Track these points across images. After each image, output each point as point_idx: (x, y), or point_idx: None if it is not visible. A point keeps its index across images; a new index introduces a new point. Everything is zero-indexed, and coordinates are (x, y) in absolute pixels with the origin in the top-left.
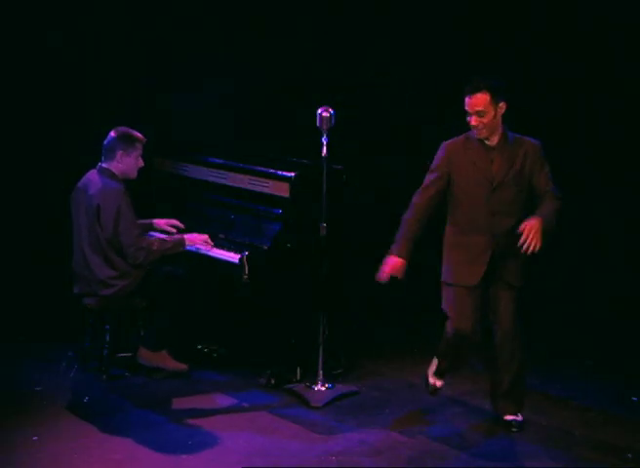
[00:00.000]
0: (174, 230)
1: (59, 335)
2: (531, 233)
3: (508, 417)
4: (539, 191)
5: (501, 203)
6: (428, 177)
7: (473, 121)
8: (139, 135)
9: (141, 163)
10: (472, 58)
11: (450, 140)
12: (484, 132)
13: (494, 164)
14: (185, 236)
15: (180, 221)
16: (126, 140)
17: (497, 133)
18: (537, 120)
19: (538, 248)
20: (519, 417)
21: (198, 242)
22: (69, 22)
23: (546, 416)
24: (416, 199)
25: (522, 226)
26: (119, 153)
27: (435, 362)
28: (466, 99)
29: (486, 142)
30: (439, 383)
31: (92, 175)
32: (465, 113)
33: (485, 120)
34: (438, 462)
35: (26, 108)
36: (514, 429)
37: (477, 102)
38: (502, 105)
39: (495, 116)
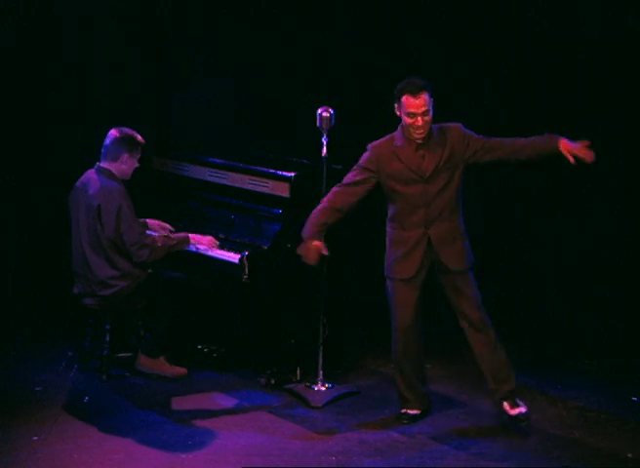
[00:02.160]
0: (166, 231)
1: (59, 335)
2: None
3: (513, 412)
4: (494, 146)
5: (435, 193)
6: (351, 175)
7: (420, 121)
8: (140, 137)
9: (137, 164)
10: (472, 58)
11: (376, 142)
12: (425, 131)
13: (424, 160)
14: (191, 235)
15: (181, 221)
16: (132, 143)
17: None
18: (537, 120)
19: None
20: (523, 409)
21: (203, 242)
22: (69, 22)
23: (546, 416)
24: (335, 189)
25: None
26: (125, 155)
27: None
28: (411, 101)
29: (415, 141)
30: (411, 412)
31: (90, 175)
32: (406, 115)
33: (428, 118)
34: (438, 462)
35: (26, 108)
36: (523, 423)
37: (423, 102)
38: (433, 103)
39: (432, 113)
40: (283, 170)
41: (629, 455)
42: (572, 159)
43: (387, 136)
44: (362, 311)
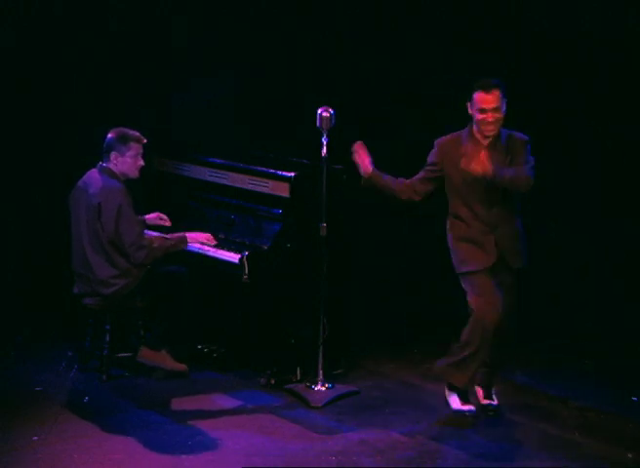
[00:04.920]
0: (167, 223)
1: (59, 335)
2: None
3: (485, 401)
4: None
5: (497, 194)
6: (421, 171)
7: (490, 117)
8: (134, 134)
9: (141, 162)
10: (473, 59)
11: (442, 138)
12: (496, 128)
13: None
14: (187, 234)
15: (181, 221)
16: (120, 141)
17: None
18: (537, 120)
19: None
20: (495, 401)
21: (201, 239)
22: (69, 22)
23: (546, 416)
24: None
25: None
26: (113, 154)
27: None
28: (483, 96)
29: (479, 140)
30: (467, 407)
31: (92, 174)
32: (478, 111)
33: (499, 115)
34: (438, 462)
35: (27, 108)
36: (490, 413)
37: (494, 99)
38: (505, 104)
39: (503, 112)
40: (283, 170)
41: (629, 455)
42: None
43: (454, 134)
44: (362, 311)
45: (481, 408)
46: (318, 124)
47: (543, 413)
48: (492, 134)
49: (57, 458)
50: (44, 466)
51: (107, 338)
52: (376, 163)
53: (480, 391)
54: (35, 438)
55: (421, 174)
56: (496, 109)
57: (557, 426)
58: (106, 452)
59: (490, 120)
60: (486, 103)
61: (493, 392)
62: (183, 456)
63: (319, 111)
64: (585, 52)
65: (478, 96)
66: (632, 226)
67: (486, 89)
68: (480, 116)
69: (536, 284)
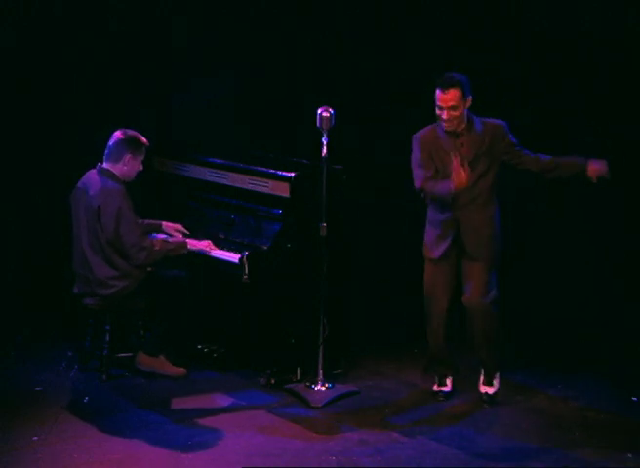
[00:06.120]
0: (179, 235)
1: (59, 335)
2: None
3: (482, 389)
4: (525, 160)
5: (470, 186)
6: (423, 172)
7: (445, 115)
8: (145, 139)
9: (141, 167)
10: (472, 59)
11: (420, 132)
12: (454, 124)
13: (463, 148)
14: (188, 239)
15: (180, 221)
16: (135, 144)
17: (462, 122)
18: (536, 120)
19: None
20: (492, 389)
21: (201, 247)
22: (69, 22)
23: (546, 416)
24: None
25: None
26: (128, 156)
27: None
28: (439, 95)
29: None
30: (443, 388)
31: (92, 176)
32: (436, 107)
33: (456, 114)
34: (438, 462)
35: (27, 108)
36: (485, 400)
37: (450, 98)
38: (469, 100)
39: (463, 110)
40: (283, 170)
41: (629, 455)
42: (595, 180)
43: (430, 126)
44: (362, 311)
45: (478, 395)
46: (318, 124)
47: (543, 413)
48: (451, 129)
49: (57, 458)
50: (44, 466)
51: (107, 338)
52: (376, 163)
53: (481, 378)
54: (35, 438)
55: (430, 172)
56: (452, 108)
57: (557, 426)
58: (106, 452)
59: (445, 117)
60: (442, 102)
61: (494, 379)
62: (183, 456)
63: (319, 111)
64: (585, 52)
65: (437, 92)
66: (632, 226)
67: (443, 87)
68: (438, 112)
69: (536, 284)
